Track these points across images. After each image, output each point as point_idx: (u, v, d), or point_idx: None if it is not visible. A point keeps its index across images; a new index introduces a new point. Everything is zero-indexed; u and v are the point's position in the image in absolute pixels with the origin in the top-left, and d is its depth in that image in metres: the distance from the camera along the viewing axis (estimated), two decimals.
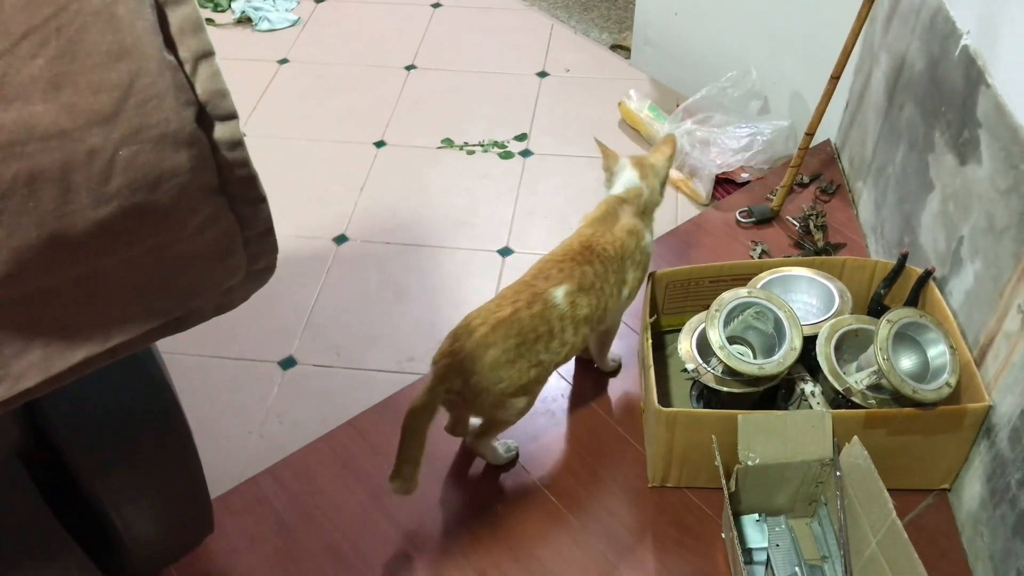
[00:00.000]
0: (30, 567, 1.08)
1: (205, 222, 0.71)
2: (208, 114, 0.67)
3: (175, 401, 1.09)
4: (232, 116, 0.68)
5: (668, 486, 1.62)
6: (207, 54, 0.65)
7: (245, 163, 0.71)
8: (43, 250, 0.62)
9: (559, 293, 1.44)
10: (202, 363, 1.94)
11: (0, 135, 0.57)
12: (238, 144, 0.69)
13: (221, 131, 0.68)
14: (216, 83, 0.66)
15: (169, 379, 1.12)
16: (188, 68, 0.65)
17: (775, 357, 1.48)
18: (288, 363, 1.93)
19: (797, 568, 1.45)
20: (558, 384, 1.81)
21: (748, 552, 1.49)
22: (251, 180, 0.72)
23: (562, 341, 1.46)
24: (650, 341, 1.60)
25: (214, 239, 0.73)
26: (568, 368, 1.82)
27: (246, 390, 1.88)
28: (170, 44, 0.64)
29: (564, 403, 1.78)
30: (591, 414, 1.75)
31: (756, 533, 1.51)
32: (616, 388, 1.80)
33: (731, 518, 1.42)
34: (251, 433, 1.79)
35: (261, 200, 0.75)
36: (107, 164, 0.62)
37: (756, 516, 1.52)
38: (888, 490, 1.33)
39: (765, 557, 1.48)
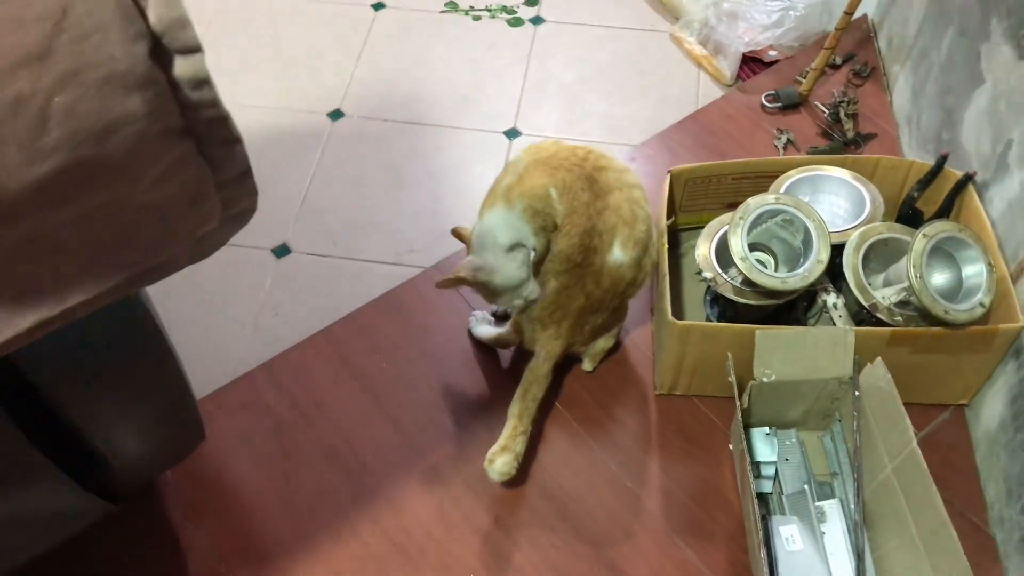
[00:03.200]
0: (8, 493, 1.03)
1: (169, 169, 0.59)
2: (165, 47, 0.54)
3: (151, 319, 1.00)
4: (195, 49, 0.55)
5: (676, 394, 1.57)
6: None
7: (214, 103, 0.59)
8: None
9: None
10: None
11: None
12: (203, 82, 0.57)
13: (182, 67, 0.55)
14: (173, 9, 0.53)
15: (145, 295, 1.03)
16: None
17: (799, 271, 1.39)
18: (282, 251, 1.84)
19: (806, 485, 1.42)
20: None
21: (756, 466, 1.45)
22: (222, 120, 0.61)
23: None
24: (666, 246, 1.50)
25: (181, 186, 0.62)
26: None
27: (239, 279, 1.79)
28: None
29: None
30: None
31: (765, 446, 1.46)
32: None
33: (742, 432, 1.37)
34: (245, 326, 1.72)
35: (235, 141, 0.63)
36: (39, 114, 0.50)
37: (766, 430, 1.47)
38: (904, 404, 1.27)
39: (774, 471, 1.45)
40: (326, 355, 1.65)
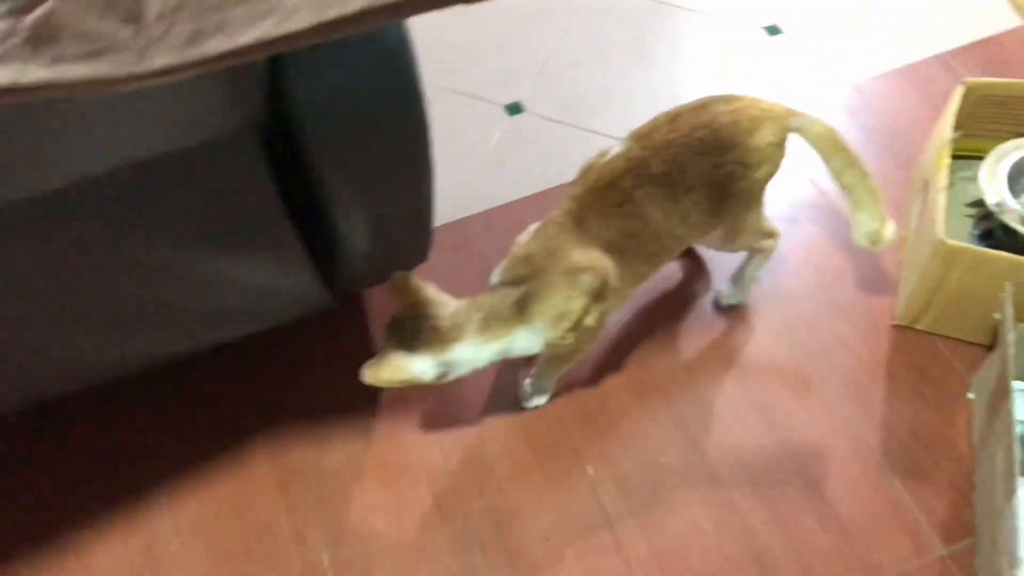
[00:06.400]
0: (253, 250, 1.04)
1: None
2: None
3: (419, 98, 0.98)
4: None
5: (916, 328, 1.41)
6: None
7: None
8: None
9: None
10: (429, 93, 1.83)
11: None
12: None
13: None
14: None
15: (419, 73, 1.00)
16: None
17: None
18: (515, 108, 1.79)
19: None
20: (806, 189, 1.59)
21: None
22: None
23: None
24: (948, 160, 1.33)
25: None
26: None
27: (469, 129, 1.76)
28: None
29: (810, 211, 1.57)
30: (839, 226, 1.51)
31: (1018, 405, 1.29)
32: None
33: (1011, 372, 1.19)
34: (468, 176, 1.69)
35: None
36: None
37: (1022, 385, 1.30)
38: None
39: (1021, 431, 1.27)
40: (540, 216, 1.59)
